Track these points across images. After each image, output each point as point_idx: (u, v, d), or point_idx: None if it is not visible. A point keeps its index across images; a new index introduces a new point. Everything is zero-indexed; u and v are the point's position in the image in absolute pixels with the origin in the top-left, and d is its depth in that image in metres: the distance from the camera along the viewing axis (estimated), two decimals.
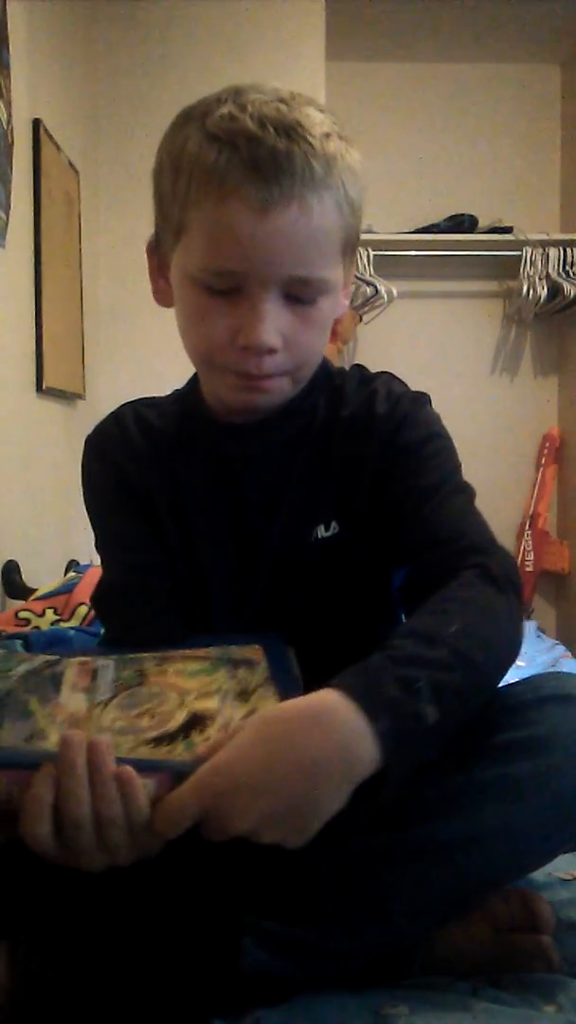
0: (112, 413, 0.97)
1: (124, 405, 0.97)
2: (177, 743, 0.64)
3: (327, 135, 0.78)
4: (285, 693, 0.68)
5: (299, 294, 0.79)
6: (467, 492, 0.87)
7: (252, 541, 0.89)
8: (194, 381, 0.93)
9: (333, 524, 0.88)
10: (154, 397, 0.98)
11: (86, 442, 0.96)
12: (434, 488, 0.85)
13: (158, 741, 0.65)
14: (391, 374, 0.94)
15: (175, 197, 0.81)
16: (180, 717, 0.67)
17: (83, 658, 0.79)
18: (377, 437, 0.87)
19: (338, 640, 0.82)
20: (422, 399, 0.91)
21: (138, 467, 0.92)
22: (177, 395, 0.96)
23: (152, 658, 0.77)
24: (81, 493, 0.96)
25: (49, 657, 0.80)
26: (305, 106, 0.79)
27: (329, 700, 0.62)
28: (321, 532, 0.88)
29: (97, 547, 0.95)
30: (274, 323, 0.79)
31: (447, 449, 0.89)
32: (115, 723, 0.67)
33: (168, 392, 0.99)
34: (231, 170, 0.75)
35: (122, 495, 0.92)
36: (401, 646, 0.67)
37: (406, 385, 0.94)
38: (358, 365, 0.97)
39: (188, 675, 0.74)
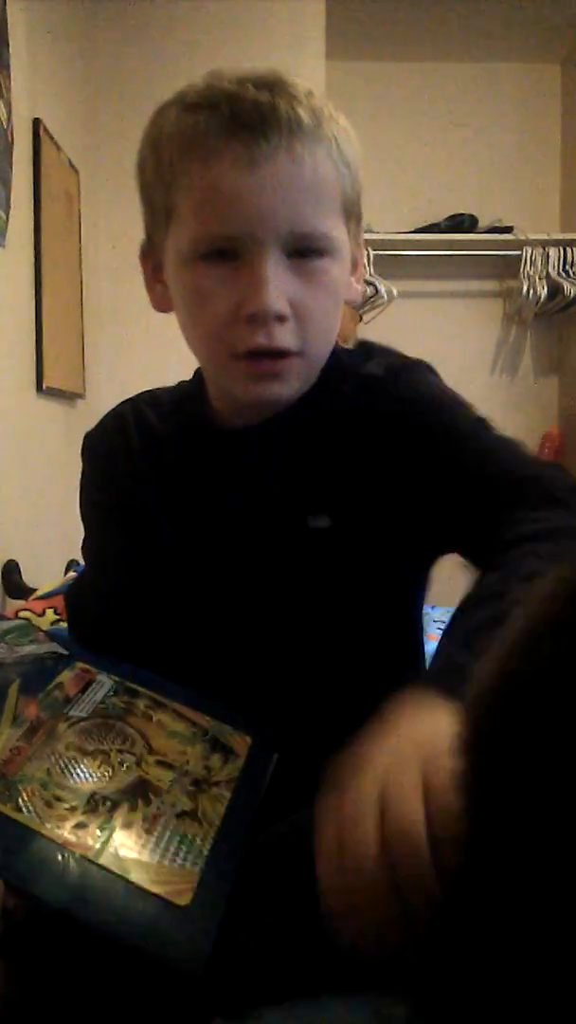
0: (112, 411, 0.92)
1: (125, 402, 0.93)
2: (99, 815, 0.60)
3: (311, 93, 0.73)
4: (236, 803, 0.66)
5: (301, 248, 0.73)
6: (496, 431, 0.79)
7: (248, 543, 0.84)
8: (199, 379, 0.87)
9: (324, 516, 0.80)
10: (158, 391, 0.93)
11: (84, 439, 0.93)
12: (467, 435, 0.77)
13: (90, 800, 0.61)
14: (382, 347, 0.86)
15: (159, 180, 0.76)
16: (127, 779, 0.64)
17: (87, 666, 0.77)
18: (379, 420, 0.79)
19: (349, 685, 0.77)
20: (420, 368, 0.82)
21: (132, 471, 0.88)
22: (181, 392, 0.91)
23: (148, 697, 0.75)
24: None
25: (61, 651, 0.78)
26: (286, 74, 0.74)
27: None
28: (314, 523, 0.80)
29: (83, 547, 0.94)
30: (279, 287, 0.72)
31: (462, 407, 0.80)
32: (67, 750, 0.65)
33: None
34: (212, 130, 0.70)
35: (113, 500, 0.89)
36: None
37: (402, 356, 0.84)
38: (362, 341, 0.89)
39: (168, 733, 0.71)
